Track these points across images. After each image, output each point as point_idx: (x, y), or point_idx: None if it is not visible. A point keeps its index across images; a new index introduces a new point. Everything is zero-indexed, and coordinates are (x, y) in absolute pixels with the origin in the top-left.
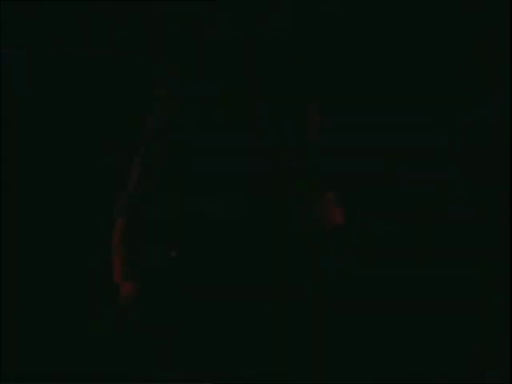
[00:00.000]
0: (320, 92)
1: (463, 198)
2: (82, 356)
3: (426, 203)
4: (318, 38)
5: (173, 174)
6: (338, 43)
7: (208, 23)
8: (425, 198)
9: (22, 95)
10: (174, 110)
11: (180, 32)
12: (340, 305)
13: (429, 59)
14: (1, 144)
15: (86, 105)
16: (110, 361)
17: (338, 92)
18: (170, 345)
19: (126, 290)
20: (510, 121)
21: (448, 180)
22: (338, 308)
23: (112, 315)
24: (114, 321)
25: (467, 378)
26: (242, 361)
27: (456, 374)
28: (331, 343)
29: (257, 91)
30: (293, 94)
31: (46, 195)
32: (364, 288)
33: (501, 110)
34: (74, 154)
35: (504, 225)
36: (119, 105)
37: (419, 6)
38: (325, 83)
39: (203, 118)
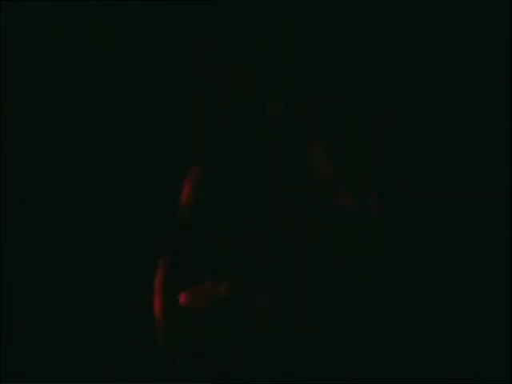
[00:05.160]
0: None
1: (463, 199)
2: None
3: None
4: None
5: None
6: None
7: None
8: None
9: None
10: None
11: None
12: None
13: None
14: None
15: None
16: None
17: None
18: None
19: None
20: (510, 121)
21: (448, 181)
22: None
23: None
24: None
25: (467, 377)
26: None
27: (456, 374)
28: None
29: None
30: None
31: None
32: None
33: (501, 110)
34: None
35: (504, 226)
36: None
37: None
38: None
39: None
